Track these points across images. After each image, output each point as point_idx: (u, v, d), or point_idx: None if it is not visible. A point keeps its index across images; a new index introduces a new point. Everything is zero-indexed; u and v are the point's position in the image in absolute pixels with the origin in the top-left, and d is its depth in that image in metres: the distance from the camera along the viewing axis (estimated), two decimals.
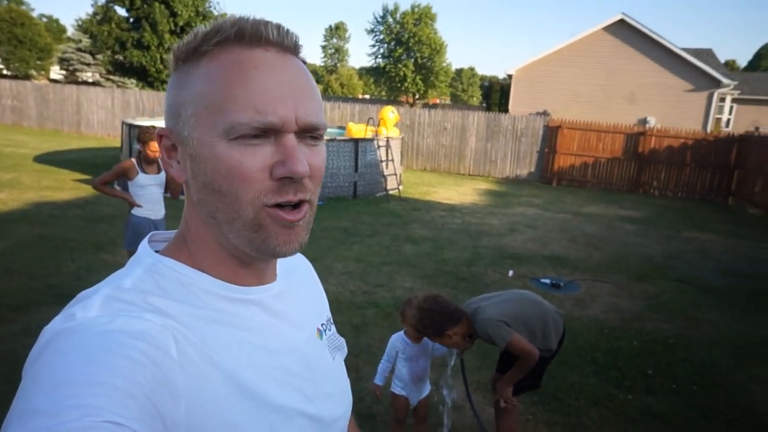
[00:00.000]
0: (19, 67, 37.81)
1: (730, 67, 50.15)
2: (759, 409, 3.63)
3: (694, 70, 17.89)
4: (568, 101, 18.96)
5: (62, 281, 5.04)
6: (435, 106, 38.31)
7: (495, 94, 25.99)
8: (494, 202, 11.22)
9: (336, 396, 0.74)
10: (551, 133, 14.53)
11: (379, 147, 10.95)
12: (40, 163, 12.18)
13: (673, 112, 17.83)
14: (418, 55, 43.43)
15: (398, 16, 43.97)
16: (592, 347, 4.39)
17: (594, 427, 3.29)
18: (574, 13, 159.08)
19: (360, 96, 56.54)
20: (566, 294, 5.68)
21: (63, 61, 35.39)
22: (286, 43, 0.61)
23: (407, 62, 43.64)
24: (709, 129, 17.48)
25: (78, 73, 34.80)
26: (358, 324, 4.47)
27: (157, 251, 0.66)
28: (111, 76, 29.26)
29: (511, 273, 6.23)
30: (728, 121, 24.26)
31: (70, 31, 39.20)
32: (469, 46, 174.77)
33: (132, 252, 0.68)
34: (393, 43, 44.20)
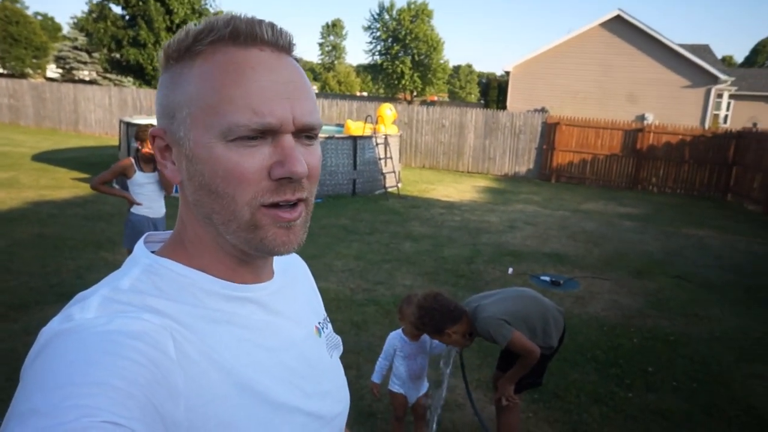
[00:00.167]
0: (15, 65, 37.68)
1: (727, 62, 50.25)
2: (759, 405, 3.63)
3: (692, 66, 17.89)
4: (566, 98, 18.96)
5: (62, 280, 5.03)
6: (433, 103, 38.29)
7: (493, 91, 26.03)
8: (493, 199, 11.22)
9: (334, 393, 0.75)
10: (550, 130, 14.53)
11: (377, 144, 10.95)
12: (38, 162, 12.15)
13: (671, 109, 17.83)
14: (415, 52, 43.40)
15: (394, 12, 43.92)
16: (593, 344, 4.39)
17: (595, 424, 3.29)
18: (571, 9, 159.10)
19: (358, 93, 56.47)
20: (566, 291, 5.68)
21: (59, 60, 35.23)
22: (280, 43, 0.61)
23: (404, 59, 43.61)
24: (707, 125, 17.50)
25: (75, 72, 34.64)
26: (358, 322, 4.47)
27: (153, 252, 0.66)
28: (108, 75, 29.13)
29: (510, 270, 6.23)
30: (726, 117, 24.27)
31: (66, 30, 39.03)
32: (466, 43, 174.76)
33: (132, 251, 0.68)
34: (390, 40, 44.15)
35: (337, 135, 10.74)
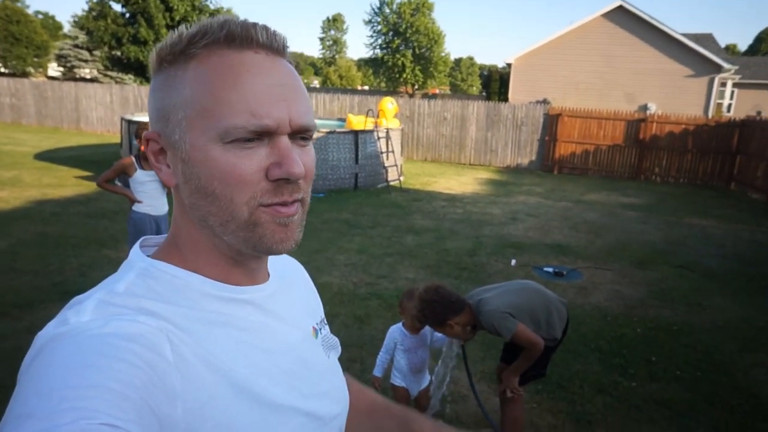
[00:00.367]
0: (16, 64, 37.67)
1: (730, 51, 49.92)
2: (763, 394, 3.63)
3: (695, 56, 17.78)
4: (568, 89, 18.88)
5: (66, 278, 5.06)
6: (434, 96, 38.19)
7: (494, 83, 25.92)
8: (495, 192, 11.20)
9: (332, 394, 0.75)
10: (551, 122, 14.48)
11: (379, 138, 10.93)
12: (40, 160, 12.18)
13: (674, 98, 17.74)
14: (416, 45, 43.23)
15: (395, 6, 43.73)
16: (596, 335, 4.39)
17: (598, 414, 3.30)
18: (573, 0, 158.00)
19: (359, 87, 56.38)
20: (569, 282, 5.68)
21: (60, 58, 35.18)
22: (275, 45, 0.61)
23: (405, 53, 43.45)
24: (710, 114, 17.40)
25: (76, 70, 34.59)
26: (361, 315, 4.48)
27: (149, 255, 0.66)
28: (109, 72, 29.13)
29: (513, 262, 6.23)
30: (729, 105, 24.12)
31: (67, 28, 38.95)
32: (467, 36, 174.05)
33: None
34: (391, 34, 43.98)
35: (338, 129, 10.73)
